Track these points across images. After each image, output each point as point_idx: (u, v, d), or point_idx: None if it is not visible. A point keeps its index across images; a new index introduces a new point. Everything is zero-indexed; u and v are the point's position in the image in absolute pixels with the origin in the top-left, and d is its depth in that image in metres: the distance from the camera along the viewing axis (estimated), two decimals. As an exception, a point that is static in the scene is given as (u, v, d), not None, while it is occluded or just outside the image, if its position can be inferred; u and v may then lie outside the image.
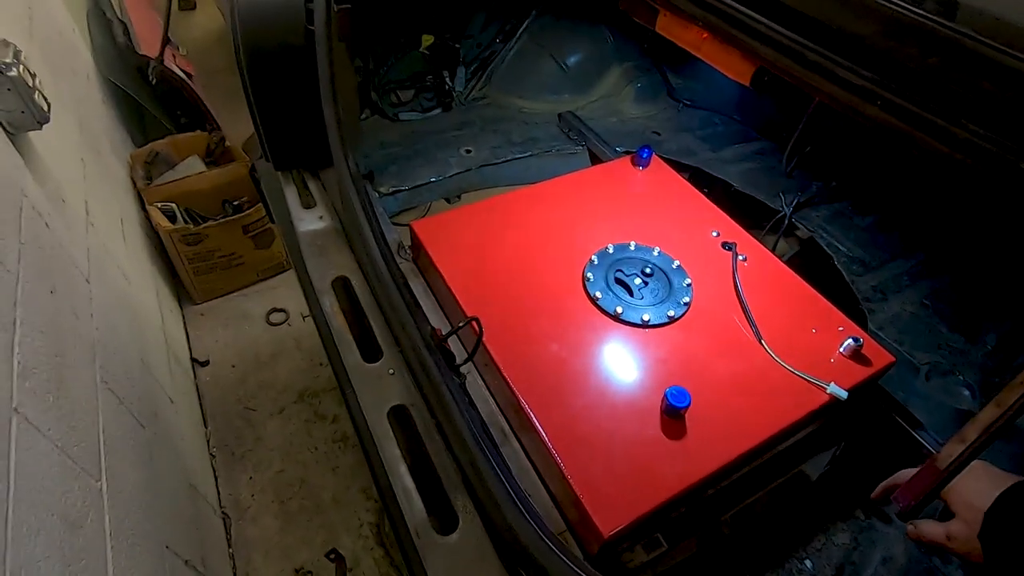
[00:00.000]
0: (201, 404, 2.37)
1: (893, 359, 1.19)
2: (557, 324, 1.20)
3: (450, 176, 1.81)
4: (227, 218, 2.56)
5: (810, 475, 1.23)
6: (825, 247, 1.72)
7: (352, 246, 1.16)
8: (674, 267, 1.33)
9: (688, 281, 1.31)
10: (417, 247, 1.37)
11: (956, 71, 0.63)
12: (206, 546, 1.74)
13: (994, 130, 0.60)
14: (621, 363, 1.15)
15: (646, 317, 1.21)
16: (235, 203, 2.68)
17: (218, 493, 2.13)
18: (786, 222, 1.80)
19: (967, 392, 1.38)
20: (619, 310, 1.22)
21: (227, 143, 2.89)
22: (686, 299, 1.26)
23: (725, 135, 2.16)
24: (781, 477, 1.19)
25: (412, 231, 1.35)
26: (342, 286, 1.16)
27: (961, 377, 1.42)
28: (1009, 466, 1.06)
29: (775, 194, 1.87)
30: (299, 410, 2.42)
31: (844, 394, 1.09)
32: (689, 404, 1.02)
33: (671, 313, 1.22)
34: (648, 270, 1.32)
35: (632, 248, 1.37)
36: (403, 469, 0.88)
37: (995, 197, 1.59)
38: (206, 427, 2.31)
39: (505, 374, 1.09)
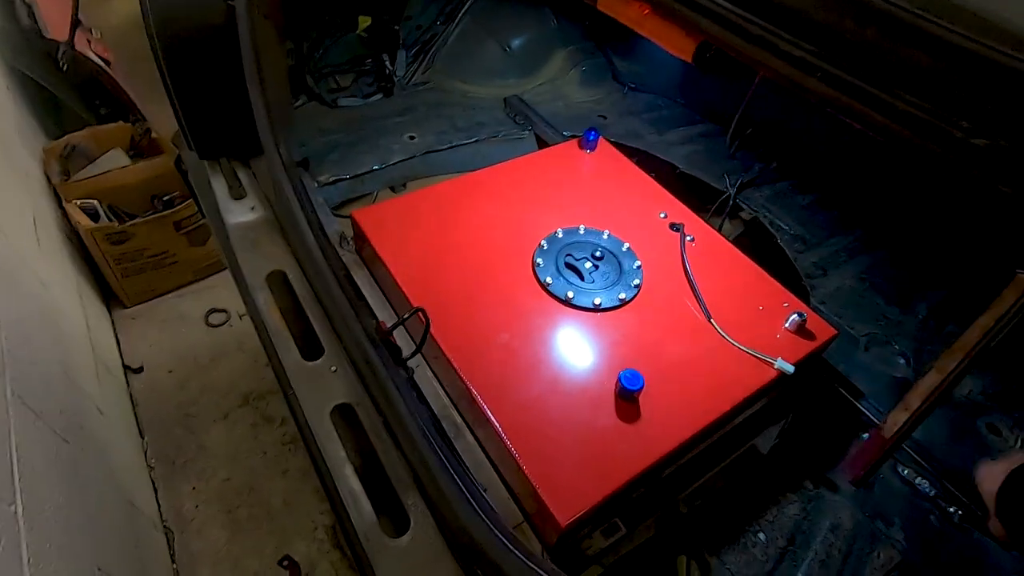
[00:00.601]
0: (136, 413, 2.22)
1: (835, 332, 1.22)
2: (507, 312, 1.17)
3: (394, 164, 1.74)
4: (156, 214, 2.40)
5: (761, 449, 1.25)
6: (768, 226, 1.75)
7: (287, 238, 1.09)
8: (624, 250, 1.33)
9: (638, 263, 1.30)
10: (360, 237, 1.30)
11: (893, 43, 0.62)
12: (146, 564, 1.64)
13: (931, 101, 0.60)
14: (574, 348, 1.13)
15: (597, 301, 1.19)
16: (165, 198, 2.52)
17: (159, 507, 2.01)
18: (731, 203, 1.83)
19: (902, 360, 1.44)
20: (570, 295, 1.20)
21: (153, 134, 2.70)
22: (636, 281, 1.26)
23: (670, 118, 2.18)
24: (734, 453, 1.20)
25: (354, 221, 1.29)
26: (279, 281, 1.09)
27: (897, 347, 1.48)
28: (948, 432, 1.11)
29: (720, 175, 1.90)
30: (244, 414, 2.31)
31: (791, 368, 1.11)
32: (643, 386, 1.01)
33: (622, 296, 1.21)
34: (598, 253, 1.30)
35: (581, 232, 1.35)
36: (349, 471, 0.83)
37: (928, 171, 1.67)
38: (142, 437, 2.17)
39: (455, 365, 1.06)
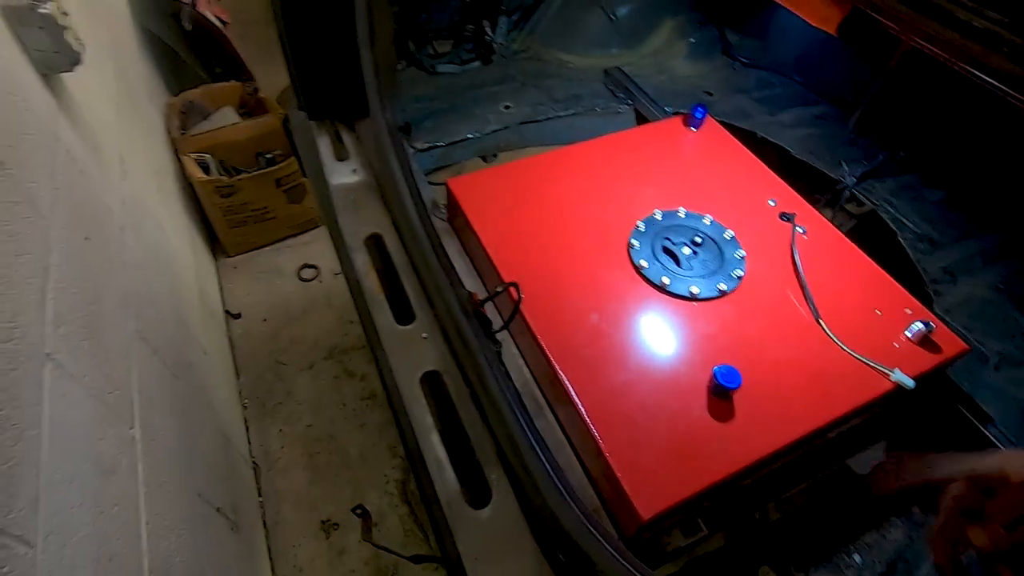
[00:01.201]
0: (234, 356, 2.40)
1: (967, 347, 1.09)
2: (599, 293, 1.13)
3: (488, 133, 1.72)
4: (260, 171, 2.53)
5: (857, 469, 1.15)
6: (889, 222, 1.59)
7: (386, 202, 1.11)
8: (727, 237, 1.24)
9: (741, 253, 1.21)
10: (453, 206, 1.30)
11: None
12: (237, 495, 1.77)
13: None
14: (666, 337, 1.08)
15: (695, 290, 1.13)
16: (268, 156, 2.65)
17: (249, 444, 2.17)
18: (847, 193, 1.67)
19: (1040, 385, 1.27)
20: (666, 281, 1.14)
21: (261, 94, 2.84)
22: (739, 272, 1.18)
23: (784, 97, 2.01)
24: (827, 469, 1.11)
25: (448, 189, 1.29)
26: (375, 244, 1.11)
27: (1034, 369, 1.31)
28: None
29: (836, 163, 1.73)
30: (328, 367, 2.43)
31: (911, 383, 1.00)
32: (739, 385, 0.95)
33: (722, 287, 1.14)
34: (698, 239, 1.23)
35: (681, 215, 1.28)
36: (435, 438, 0.84)
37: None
38: (238, 379, 2.33)
39: (542, 343, 1.04)
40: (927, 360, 1.07)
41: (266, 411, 2.28)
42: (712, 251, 1.22)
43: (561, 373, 1.00)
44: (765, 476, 1.05)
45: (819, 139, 1.82)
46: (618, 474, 0.89)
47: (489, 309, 1.20)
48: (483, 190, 1.29)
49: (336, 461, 2.19)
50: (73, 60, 1.23)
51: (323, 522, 2.04)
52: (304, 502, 2.08)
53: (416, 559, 1.05)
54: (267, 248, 2.83)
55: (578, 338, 1.06)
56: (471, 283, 1.26)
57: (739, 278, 1.17)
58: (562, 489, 0.67)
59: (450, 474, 0.81)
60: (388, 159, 1.02)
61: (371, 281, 1.03)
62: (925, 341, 1.08)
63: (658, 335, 1.08)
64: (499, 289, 0.99)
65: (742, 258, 1.21)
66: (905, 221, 1.59)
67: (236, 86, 2.87)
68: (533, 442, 0.72)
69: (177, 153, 2.50)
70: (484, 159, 1.90)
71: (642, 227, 1.24)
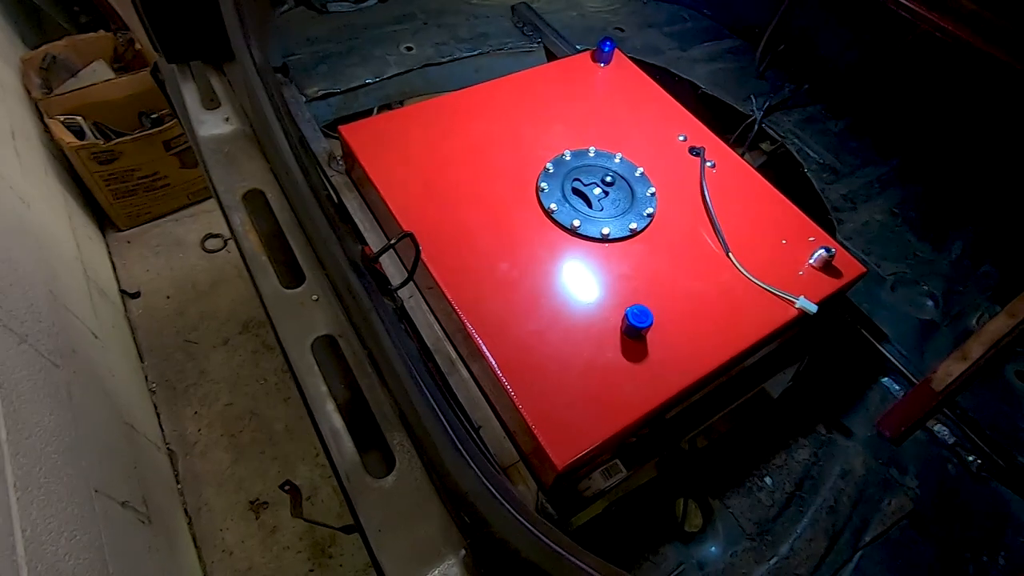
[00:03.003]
0: (135, 338, 2.20)
1: (864, 270, 1.12)
2: (508, 240, 1.08)
3: (389, 77, 1.59)
4: (144, 132, 2.27)
5: (772, 393, 1.19)
6: (796, 154, 1.61)
7: (265, 153, 0.99)
8: (637, 175, 1.21)
9: (652, 190, 1.19)
10: (349, 155, 1.20)
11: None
12: (148, 485, 1.65)
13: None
14: (578, 281, 1.04)
15: (606, 231, 1.09)
16: (153, 115, 2.38)
17: (161, 430, 2.02)
18: (756, 127, 1.68)
19: (931, 303, 1.35)
20: (576, 223, 1.10)
21: (137, 45, 2.52)
22: (649, 210, 1.15)
23: (694, 32, 1.98)
24: (744, 395, 1.14)
25: (341, 137, 1.18)
26: (258, 201, 1.00)
27: (926, 287, 1.38)
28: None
29: (746, 97, 1.73)
30: (245, 341, 2.28)
31: (814, 308, 1.02)
32: (651, 324, 0.94)
33: (633, 226, 1.11)
34: (609, 179, 1.19)
35: (591, 154, 1.23)
36: (330, 407, 0.77)
37: (979, 95, 1.50)
38: (142, 362, 2.15)
39: (449, 296, 0.98)
40: (829, 285, 1.09)
41: (177, 394, 2.12)
42: (623, 190, 1.19)
43: (470, 326, 0.95)
44: (688, 408, 1.06)
45: (729, 73, 1.81)
46: (532, 425, 0.86)
47: (396, 264, 1.12)
48: (380, 136, 1.19)
49: (261, 438, 2.08)
50: None
51: (252, 502, 1.95)
52: (229, 484, 1.97)
53: (347, 529, 0.99)
54: (164, 219, 2.59)
55: (487, 289, 1.00)
56: (375, 239, 1.17)
57: (650, 216, 1.14)
58: (461, 449, 0.63)
59: (348, 444, 0.75)
60: (260, 103, 0.90)
61: (251, 242, 0.93)
62: (827, 267, 1.10)
63: (570, 280, 1.04)
64: (393, 241, 0.91)
65: (653, 195, 1.18)
66: (810, 152, 1.62)
67: (107, 37, 2.54)
68: (431, 400, 0.67)
69: (42, 116, 2.20)
70: (389, 107, 1.77)
71: (551, 168, 1.19)
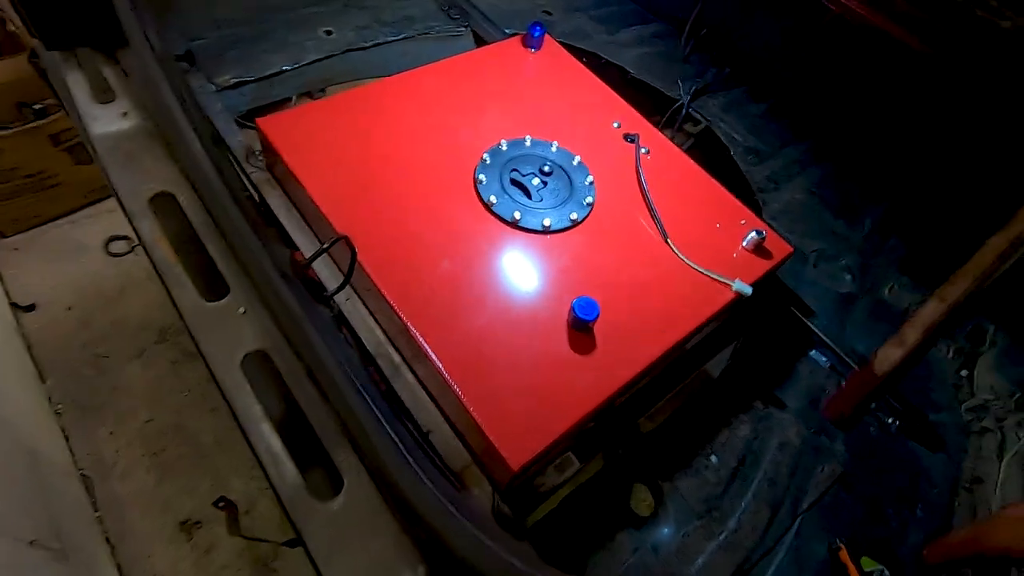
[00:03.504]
0: (32, 356, 1.98)
1: (791, 249, 1.17)
2: (447, 235, 1.04)
3: (308, 64, 1.49)
4: (26, 125, 2.02)
5: (712, 373, 1.22)
6: (722, 137, 1.66)
7: (172, 151, 0.89)
8: (575, 164, 1.20)
9: (590, 179, 1.18)
10: (269, 150, 1.11)
11: None
12: (60, 516, 1.50)
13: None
14: (522, 275, 1.02)
15: (547, 222, 1.08)
16: (36, 106, 2.12)
17: (72, 454, 1.84)
18: (684, 111, 1.71)
19: (849, 276, 1.44)
20: (517, 216, 1.07)
21: (10, 26, 2.23)
22: (589, 199, 1.14)
23: (621, 16, 1.99)
24: (687, 377, 1.17)
25: (259, 130, 1.09)
26: (169, 205, 0.90)
27: (843, 262, 1.47)
28: None
29: (673, 81, 1.76)
30: (163, 350, 2.11)
31: (749, 290, 1.05)
32: (598, 315, 0.93)
33: (574, 216, 1.10)
34: (547, 168, 1.17)
35: (528, 144, 1.21)
36: (266, 428, 0.71)
37: (888, 80, 1.59)
38: (44, 382, 1.95)
39: (388, 297, 0.93)
40: (761, 266, 1.13)
41: (88, 413, 1.93)
42: (562, 179, 1.17)
43: (413, 328, 0.91)
44: (635, 395, 1.07)
45: (656, 58, 1.83)
46: (483, 427, 0.83)
47: (329, 267, 1.05)
48: (303, 129, 1.11)
49: (188, 453, 1.94)
50: None
51: (182, 523, 1.82)
52: (155, 505, 1.83)
53: (291, 543, 0.93)
54: (59, 222, 2.33)
55: (428, 287, 0.96)
56: (305, 240, 1.10)
57: (590, 205, 1.14)
58: (411, 463, 0.60)
59: (289, 467, 0.70)
60: (162, 95, 0.80)
61: (163, 252, 0.84)
62: (758, 248, 1.14)
63: (514, 274, 1.02)
64: (325, 246, 0.85)
65: (591, 184, 1.17)
66: (735, 136, 1.67)
67: (-30, 16, 2.23)
68: (376, 414, 0.63)
69: None
70: (311, 96, 1.66)
71: (488, 159, 1.15)
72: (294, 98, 1.55)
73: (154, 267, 0.84)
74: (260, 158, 1.19)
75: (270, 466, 0.69)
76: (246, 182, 1.07)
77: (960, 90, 1.49)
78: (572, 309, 0.94)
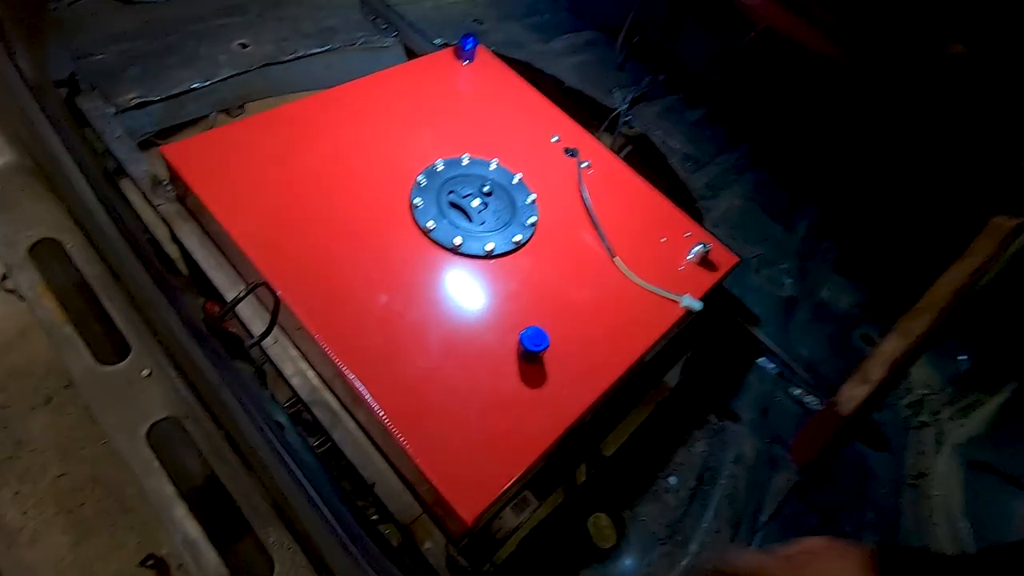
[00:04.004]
0: (-86, 414, 1.74)
1: (737, 259, 1.16)
2: (383, 267, 0.96)
3: (221, 80, 1.37)
4: None
5: (669, 383, 1.21)
6: (659, 145, 1.66)
7: (56, 191, 0.77)
8: (515, 182, 1.15)
9: (532, 197, 1.13)
10: (178, 181, 1.00)
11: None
12: (-46, 602, 1.31)
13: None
14: (466, 306, 0.96)
15: (490, 247, 1.02)
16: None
17: (-32, 523, 1.62)
18: (621, 120, 1.70)
19: (789, 280, 1.46)
20: (458, 241, 1.01)
21: None
22: (532, 219, 1.10)
23: (554, 24, 1.96)
24: (646, 393, 1.14)
25: (164, 159, 0.98)
26: (55, 253, 0.78)
27: (783, 266, 1.49)
28: (829, 347, 1.07)
29: (609, 90, 1.75)
30: (73, 396, 1.90)
31: (699, 305, 1.04)
32: (547, 345, 0.88)
33: (518, 238, 1.05)
34: (487, 188, 1.12)
35: (465, 162, 1.15)
36: (181, 512, 0.62)
37: (814, 89, 1.63)
38: (-70, 443, 1.71)
39: (320, 340, 0.85)
40: (708, 278, 1.12)
41: (-14, 474, 1.72)
42: (502, 199, 1.12)
43: (349, 372, 0.83)
44: (593, 417, 1.03)
45: (591, 66, 1.81)
46: (432, 479, 0.77)
47: (254, 308, 0.95)
48: (215, 155, 1.00)
49: (109, 507, 1.76)
50: None
51: (106, 587, 1.64)
52: (72, 570, 1.64)
53: None
54: (-58, 257, 2.08)
55: (365, 326, 0.89)
56: (223, 278, 0.99)
57: (533, 225, 1.09)
58: (351, 548, 0.53)
59: (210, 556, 0.61)
60: (39, 129, 0.69)
61: (48, 309, 0.73)
62: (704, 261, 1.13)
63: (457, 306, 0.96)
64: (240, 295, 0.76)
65: (533, 202, 1.13)
66: (672, 143, 1.67)
67: None
68: (308, 490, 0.56)
69: None
70: (228, 114, 1.54)
71: (423, 181, 1.08)
72: (213, 114, 1.43)
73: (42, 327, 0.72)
74: (169, 188, 1.07)
75: (187, 558, 0.60)
76: (151, 221, 0.96)
77: (874, 96, 1.54)
78: (520, 341, 0.89)
